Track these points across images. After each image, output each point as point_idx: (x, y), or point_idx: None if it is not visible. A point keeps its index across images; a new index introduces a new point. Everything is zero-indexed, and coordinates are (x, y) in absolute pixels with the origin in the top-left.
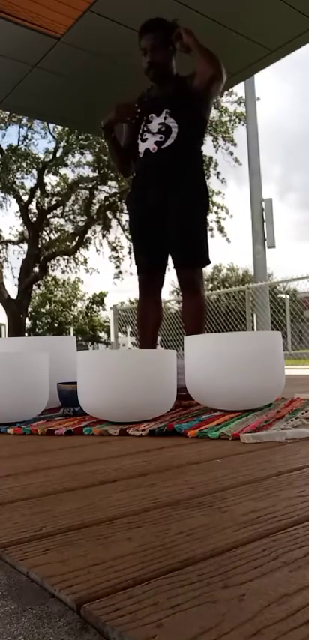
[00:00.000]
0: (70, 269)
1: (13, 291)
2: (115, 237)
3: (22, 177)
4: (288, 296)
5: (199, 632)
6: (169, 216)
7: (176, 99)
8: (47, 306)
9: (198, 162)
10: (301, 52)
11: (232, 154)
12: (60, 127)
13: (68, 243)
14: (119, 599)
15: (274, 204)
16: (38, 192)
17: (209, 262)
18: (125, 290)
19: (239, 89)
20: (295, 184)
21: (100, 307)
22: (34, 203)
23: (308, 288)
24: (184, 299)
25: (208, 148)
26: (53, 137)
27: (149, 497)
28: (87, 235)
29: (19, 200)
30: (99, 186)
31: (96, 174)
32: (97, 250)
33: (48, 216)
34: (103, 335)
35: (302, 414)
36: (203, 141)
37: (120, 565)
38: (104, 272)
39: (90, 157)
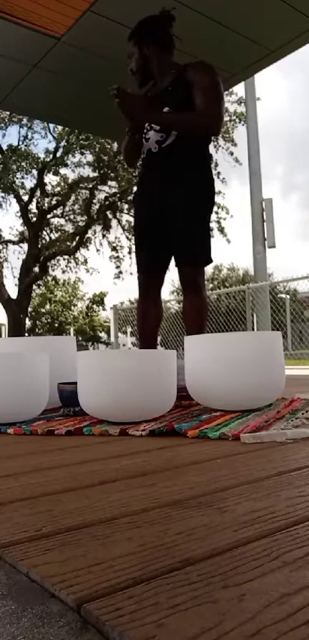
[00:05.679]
0: (70, 269)
1: (13, 291)
2: (115, 237)
3: (22, 177)
4: (288, 296)
5: (199, 632)
6: (171, 215)
7: (175, 94)
8: (47, 306)
9: (201, 159)
10: (304, 51)
11: (232, 153)
12: (60, 127)
13: (68, 243)
14: (119, 599)
15: (277, 203)
16: (38, 192)
17: (211, 261)
18: (125, 290)
19: (239, 89)
20: (298, 184)
21: (100, 307)
22: (34, 203)
23: (308, 288)
24: (186, 298)
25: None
26: (53, 137)
27: (149, 497)
28: (87, 235)
29: (19, 200)
30: (99, 186)
31: (96, 174)
32: (97, 250)
33: (48, 216)
34: (103, 335)
35: (302, 414)
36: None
37: (120, 565)
38: (104, 272)
39: (90, 157)
